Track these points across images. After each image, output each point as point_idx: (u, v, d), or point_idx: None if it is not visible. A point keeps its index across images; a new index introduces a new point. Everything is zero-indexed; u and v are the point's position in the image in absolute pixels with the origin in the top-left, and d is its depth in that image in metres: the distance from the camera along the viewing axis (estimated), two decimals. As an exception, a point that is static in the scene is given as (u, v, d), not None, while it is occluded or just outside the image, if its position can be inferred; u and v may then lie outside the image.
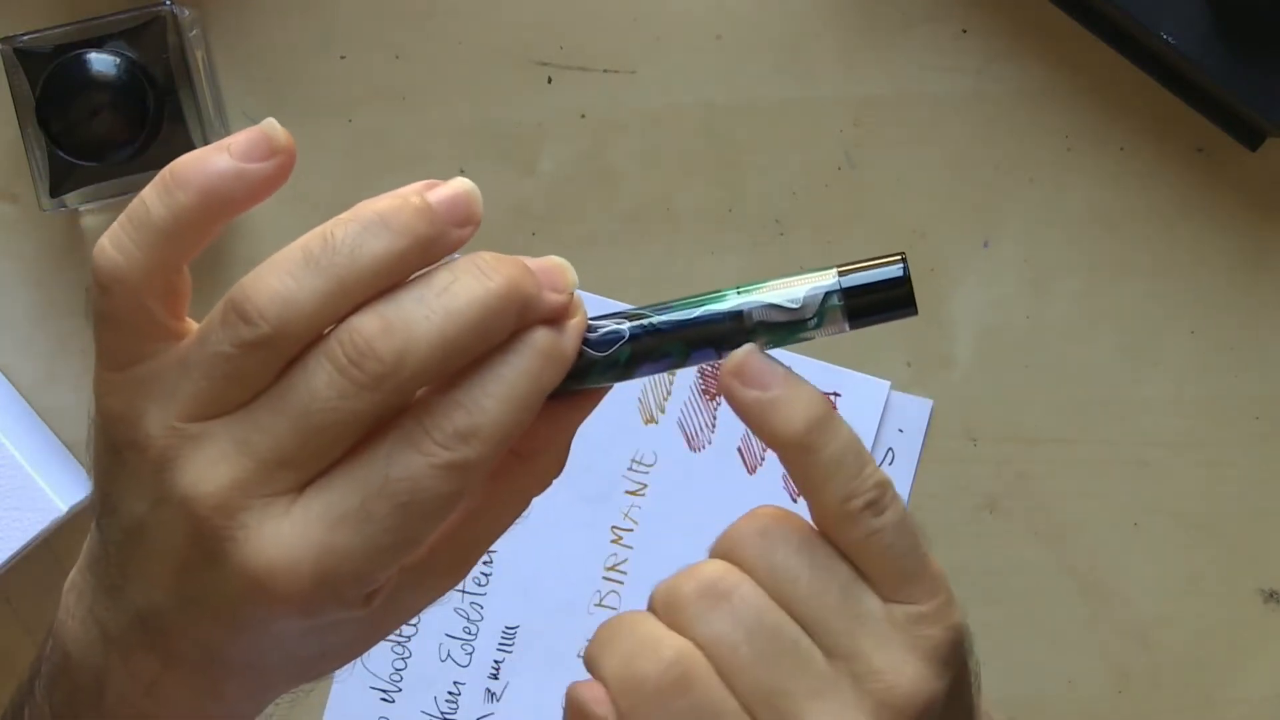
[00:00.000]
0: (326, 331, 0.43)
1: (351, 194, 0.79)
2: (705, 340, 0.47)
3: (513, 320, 0.44)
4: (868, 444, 0.76)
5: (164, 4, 0.72)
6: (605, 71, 0.76)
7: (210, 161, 0.44)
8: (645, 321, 0.47)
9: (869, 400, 0.76)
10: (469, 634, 0.77)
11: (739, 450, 0.77)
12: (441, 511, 0.43)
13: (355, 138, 0.76)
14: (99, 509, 0.46)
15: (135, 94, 0.70)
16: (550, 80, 0.76)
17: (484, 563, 0.77)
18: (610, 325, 0.47)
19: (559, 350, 0.45)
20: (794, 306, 0.47)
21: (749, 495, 0.76)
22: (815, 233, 0.76)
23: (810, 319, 0.47)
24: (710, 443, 0.77)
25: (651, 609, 0.46)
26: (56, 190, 0.72)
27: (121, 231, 0.44)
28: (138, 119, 0.70)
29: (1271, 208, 0.76)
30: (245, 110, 0.76)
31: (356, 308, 0.43)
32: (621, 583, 0.77)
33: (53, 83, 0.70)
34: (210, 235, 0.45)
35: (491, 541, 0.49)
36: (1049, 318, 0.76)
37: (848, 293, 0.47)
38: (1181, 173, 0.76)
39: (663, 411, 0.77)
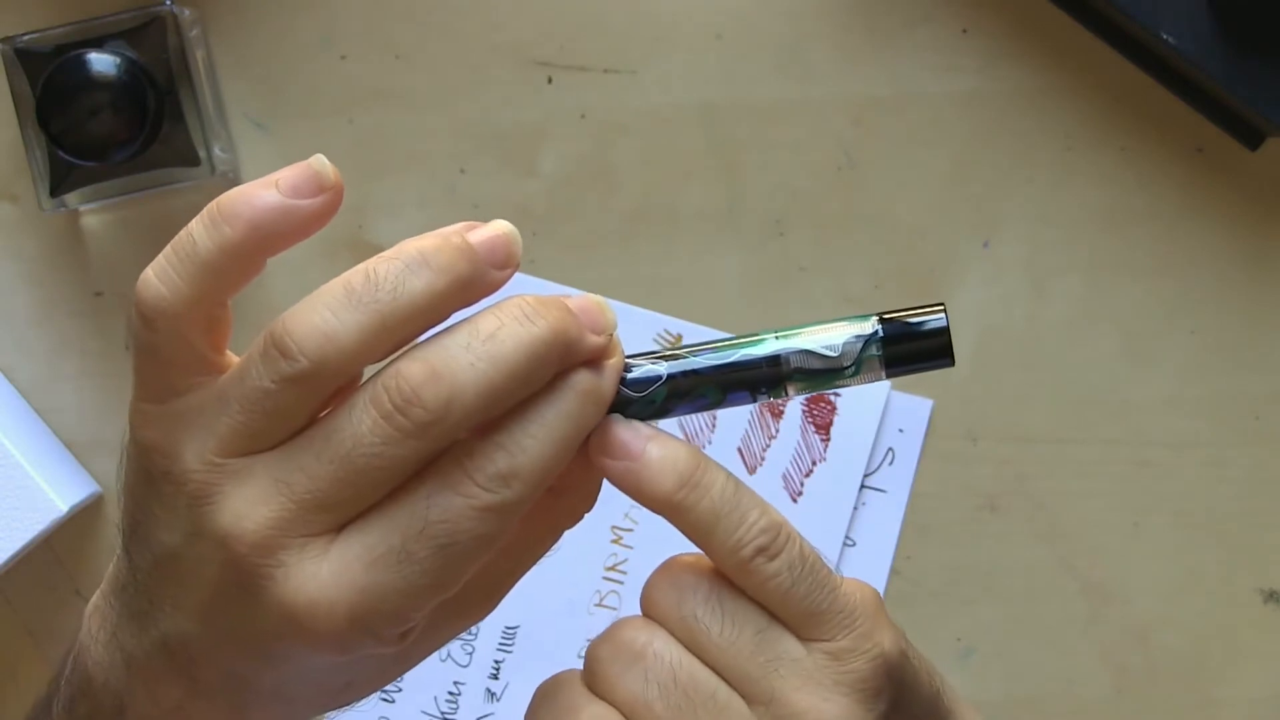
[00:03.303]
0: (370, 376, 0.43)
1: (352, 194, 0.79)
2: (741, 384, 0.47)
3: (556, 365, 0.44)
4: (868, 444, 0.76)
5: (164, 4, 0.72)
6: (605, 71, 0.76)
7: (258, 196, 0.44)
8: (682, 363, 0.47)
9: (869, 400, 0.76)
10: (469, 634, 0.77)
11: (739, 450, 0.77)
12: (481, 552, 0.43)
13: (355, 138, 0.76)
14: (127, 535, 0.46)
15: (135, 94, 0.70)
16: (550, 80, 0.76)
17: (484, 563, 0.77)
18: (648, 365, 0.47)
19: (599, 393, 0.45)
20: (832, 355, 0.47)
21: (749, 495, 0.76)
22: (815, 233, 0.76)
23: (848, 367, 0.46)
24: (710, 443, 0.77)
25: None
26: (56, 190, 0.72)
27: (166, 264, 0.44)
28: (138, 119, 0.70)
29: (1271, 208, 0.76)
30: (245, 110, 0.76)
31: (396, 346, 0.43)
32: (621, 583, 0.77)
33: (53, 83, 0.70)
34: (256, 270, 0.45)
35: (522, 574, 0.49)
36: (1049, 318, 0.76)
37: (886, 341, 0.46)
38: (1181, 173, 0.76)
39: (663, 411, 0.77)
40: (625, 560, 0.76)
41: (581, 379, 0.44)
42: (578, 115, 0.76)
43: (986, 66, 0.76)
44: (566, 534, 0.45)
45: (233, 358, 0.45)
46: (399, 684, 0.77)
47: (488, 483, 0.43)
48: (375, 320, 0.42)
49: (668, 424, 0.48)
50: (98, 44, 0.71)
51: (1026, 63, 0.76)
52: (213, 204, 0.44)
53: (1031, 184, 0.76)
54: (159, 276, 0.44)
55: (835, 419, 0.76)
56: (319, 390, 0.43)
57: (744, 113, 0.76)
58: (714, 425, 0.77)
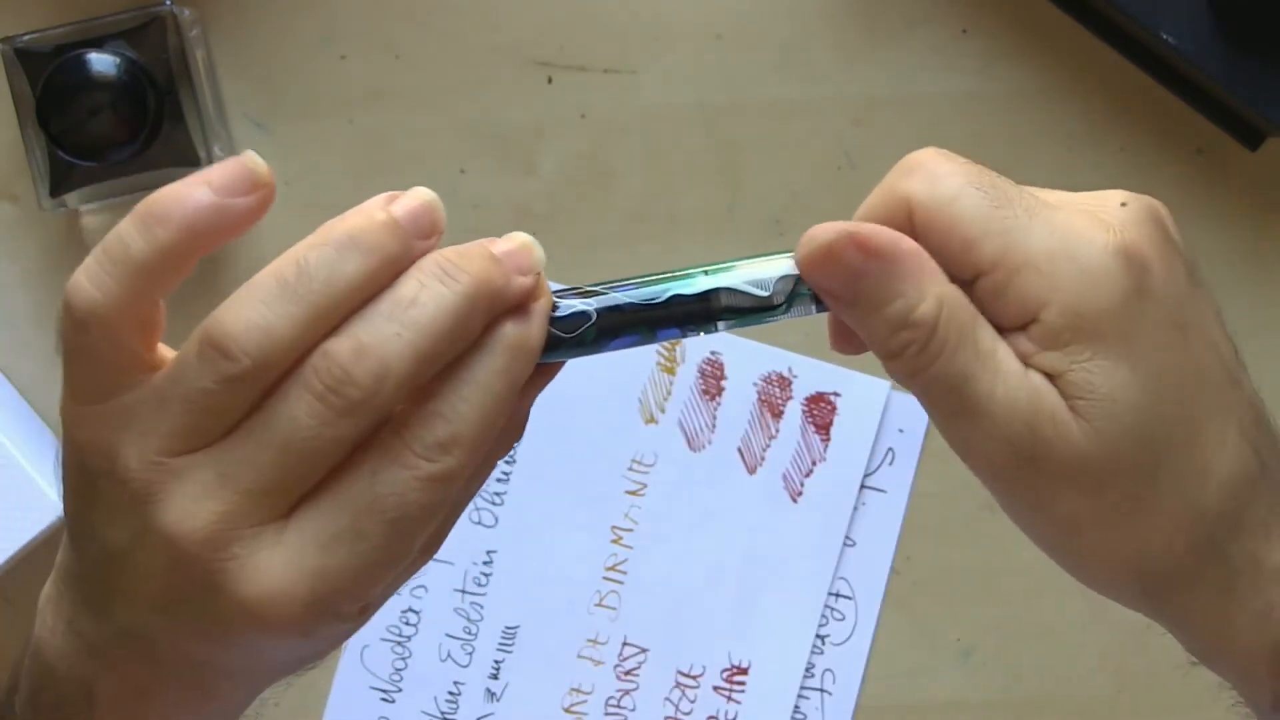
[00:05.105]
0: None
1: (352, 194, 0.79)
2: (671, 320, 0.46)
3: (483, 318, 0.44)
4: (867, 444, 0.76)
5: (164, 4, 0.72)
6: (605, 71, 0.76)
7: (191, 196, 0.43)
8: (612, 300, 0.46)
9: (869, 400, 0.76)
10: (469, 634, 0.77)
11: (739, 450, 0.77)
12: (430, 521, 0.43)
13: (355, 138, 0.76)
14: (73, 532, 0.46)
15: (135, 94, 0.70)
16: (550, 80, 0.76)
17: (484, 563, 0.77)
18: (578, 305, 0.46)
19: (528, 343, 0.45)
20: (763, 293, 0.46)
21: (749, 495, 0.76)
22: (815, 233, 0.76)
23: (779, 305, 0.46)
24: (710, 443, 0.77)
25: None
26: (56, 190, 0.72)
27: (99, 267, 0.43)
28: (138, 119, 0.70)
29: (1271, 208, 0.76)
30: (245, 110, 0.76)
31: (331, 330, 0.43)
32: (621, 583, 0.77)
33: (53, 83, 0.70)
34: (188, 269, 0.44)
35: (460, 512, 0.49)
36: (1049, 318, 0.76)
37: None
38: (1181, 173, 0.76)
39: (663, 411, 0.77)
40: (625, 560, 0.76)
41: (510, 332, 0.44)
42: (578, 115, 0.76)
43: (986, 66, 0.76)
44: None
45: (165, 353, 0.45)
46: (399, 684, 0.77)
47: (429, 452, 0.42)
48: (311, 310, 0.42)
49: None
50: (98, 44, 0.71)
51: (1026, 63, 0.76)
52: (143, 204, 0.44)
53: (1031, 184, 0.76)
54: (91, 281, 0.43)
55: (835, 419, 0.76)
56: (259, 386, 0.42)
57: (744, 113, 0.76)
58: (714, 425, 0.77)
